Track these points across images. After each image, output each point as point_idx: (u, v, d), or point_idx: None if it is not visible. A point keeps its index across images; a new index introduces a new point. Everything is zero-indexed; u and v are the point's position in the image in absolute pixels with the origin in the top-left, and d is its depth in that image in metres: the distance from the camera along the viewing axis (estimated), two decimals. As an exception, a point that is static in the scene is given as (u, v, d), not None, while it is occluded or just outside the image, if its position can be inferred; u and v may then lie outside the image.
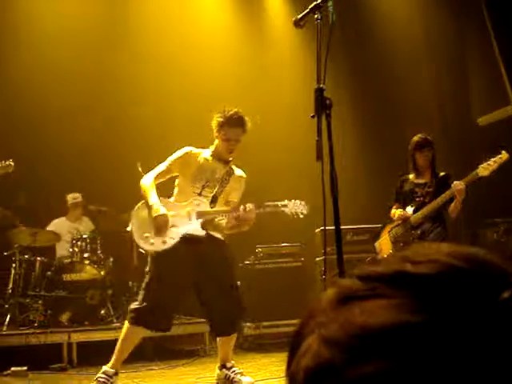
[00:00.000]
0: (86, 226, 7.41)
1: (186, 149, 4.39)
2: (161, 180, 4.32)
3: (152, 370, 5.33)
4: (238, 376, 4.21)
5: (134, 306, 4.15)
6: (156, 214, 4.06)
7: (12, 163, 2.99)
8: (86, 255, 6.62)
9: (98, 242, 6.71)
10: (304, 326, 0.57)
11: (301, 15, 2.99)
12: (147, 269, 4.24)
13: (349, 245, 6.09)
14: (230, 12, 9.03)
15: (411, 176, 5.15)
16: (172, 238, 4.09)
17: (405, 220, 4.99)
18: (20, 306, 6.40)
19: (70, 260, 6.63)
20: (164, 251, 4.09)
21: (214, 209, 4.26)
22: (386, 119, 8.46)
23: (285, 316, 6.34)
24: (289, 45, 8.86)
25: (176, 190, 4.37)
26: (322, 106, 2.62)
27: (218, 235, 4.33)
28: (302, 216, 4.35)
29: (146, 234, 4.10)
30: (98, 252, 6.69)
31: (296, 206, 4.33)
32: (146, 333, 4.26)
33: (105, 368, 4.08)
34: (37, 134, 7.86)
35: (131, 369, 4.75)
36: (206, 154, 4.42)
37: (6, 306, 6.40)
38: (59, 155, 7.85)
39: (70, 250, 6.72)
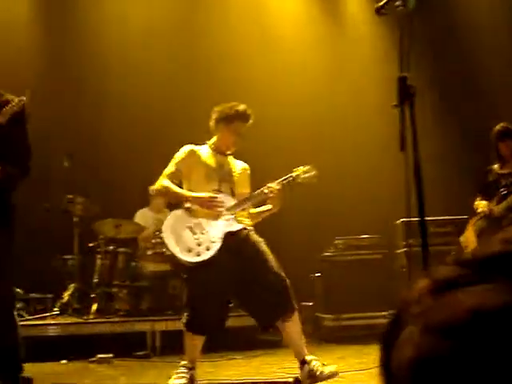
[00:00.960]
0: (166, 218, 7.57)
1: (187, 147, 4.37)
2: (173, 183, 4.29)
3: (233, 359, 5.39)
4: (321, 368, 4.01)
5: (184, 313, 4.18)
6: (203, 196, 4.08)
7: (24, 98, 3.01)
8: (167, 246, 6.76)
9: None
10: (398, 317, 0.56)
11: (382, 2, 2.93)
12: (185, 276, 4.23)
13: (431, 237, 5.94)
14: (307, 5, 9.01)
15: (496, 166, 4.99)
16: (213, 241, 4.04)
17: (488, 212, 4.83)
18: (106, 295, 6.62)
19: (152, 251, 6.79)
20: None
21: (240, 200, 4.22)
22: (470, 109, 8.21)
23: (364, 308, 6.29)
24: (368, 35, 8.77)
25: None
26: (405, 94, 2.56)
27: (246, 223, 4.27)
28: (315, 179, 4.26)
29: (188, 246, 4.03)
30: (180, 243, 6.82)
31: (306, 172, 4.25)
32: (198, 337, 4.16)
33: (183, 362, 4.18)
34: (120, 129, 8.13)
35: (212, 358, 4.82)
36: (205, 149, 4.40)
37: (93, 295, 6.62)
38: (142, 148, 8.08)
39: (153, 241, 6.88)
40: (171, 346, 5.81)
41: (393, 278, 6.52)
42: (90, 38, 8.51)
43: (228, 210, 4.13)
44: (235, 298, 4.37)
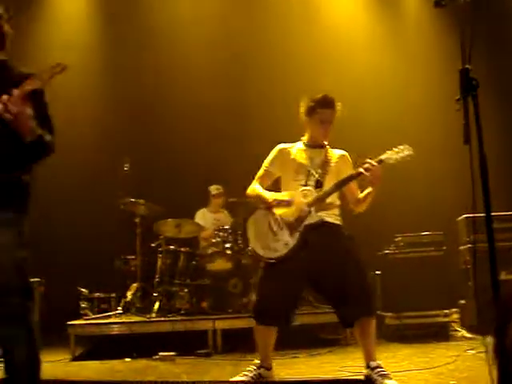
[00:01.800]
0: (226, 218, 7.66)
1: (278, 147, 4.37)
2: (265, 185, 4.30)
3: (296, 357, 5.39)
4: (381, 379, 3.89)
5: (253, 304, 4.21)
6: (285, 199, 4.09)
7: (62, 65, 3.01)
8: (227, 245, 6.81)
9: (239, 232, 6.88)
10: (508, 306, 0.56)
11: (441, -6, 2.88)
12: (261, 266, 4.24)
13: (495, 232, 5.80)
14: (367, 2, 9.01)
15: None
16: (292, 235, 4.03)
17: None
18: (167, 294, 6.72)
19: (212, 250, 6.85)
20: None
21: (322, 192, 4.13)
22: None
23: (426, 306, 6.19)
24: (429, 29, 8.69)
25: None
26: (467, 87, 2.51)
27: (332, 220, 4.22)
28: (409, 158, 4.08)
29: (267, 242, 4.06)
30: (239, 242, 6.86)
31: (399, 152, 4.10)
32: (268, 329, 4.14)
33: (255, 361, 4.21)
34: (181, 130, 8.27)
35: (276, 356, 4.83)
36: (298, 145, 4.38)
37: (155, 294, 6.73)
38: (201, 148, 8.18)
39: (213, 240, 6.95)
40: (232, 345, 5.86)
41: (454, 276, 6.41)
42: (150, 38, 8.67)
43: (309, 203, 4.08)
44: (317, 291, 4.36)
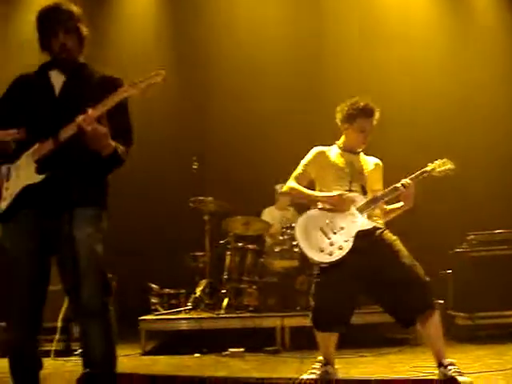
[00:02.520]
0: (292, 215, 7.66)
1: (316, 149, 4.33)
2: (301, 185, 4.25)
3: (363, 356, 5.35)
4: (456, 375, 3.76)
5: (310, 310, 4.16)
6: (335, 195, 4.05)
7: (161, 73, 3.00)
8: (295, 243, 6.79)
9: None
10: None
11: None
12: (315, 272, 4.19)
13: None
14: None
15: None
16: (345, 240, 3.97)
17: None
18: (235, 291, 6.77)
19: (280, 247, 6.86)
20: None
21: (372, 198, 4.11)
22: None
23: (499, 306, 6.01)
24: (497, 24, 8.47)
25: None
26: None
27: (380, 225, 4.16)
28: (451, 172, 4.08)
29: (320, 246, 4.00)
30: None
31: (441, 165, 4.08)
32: (328, 334, 4.13)
33: (319, 357, 4.20)
34: (248, 128, 8.34)
35: (343, 354, 4.80)
36: (335, 149, 4.32)
37: (223, 291, 6.80)
38: (269, 147, 8.23)
39: (280, 237, 6.96)
40: (300, 342, 5.86)
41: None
42: (217, 36, 8.78)
43: (359, 208, 4.07)
44: (370, 296, 4.28)
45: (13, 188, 3.00)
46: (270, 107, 8.42)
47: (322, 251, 3.99)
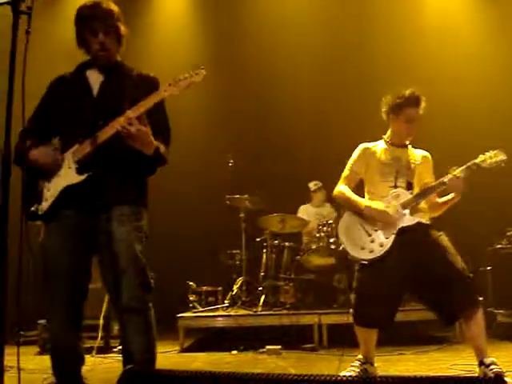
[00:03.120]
0: (328, 212, 7.64)
1: (361, 146, 4.27)
2: (352, 185, 4.20)
3: (403, 354, 5.30)
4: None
5: (352, 307, 4.13)
6: (377, 209, 3.98)
7: (201, 72, 2.99)
8: (331, 240, 6.78)
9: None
10: None
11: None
12: (357, 267, 4.13)
13: None
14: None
15: None
16: (387, 237, 3.93)
17: None
18: (272, 288, 6.78)
19: (316, 245, 6.85)
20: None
21: (416, 193, 4.03)
22: None
23: (541, 303, 5.93)
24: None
25: (367, 195, 4.21)
26: None
27: (425, 220, 4.08)
28: (503, 164, 3.92)
29: (361, 243, 3.97)
30: (343, 237, 6.79)
31: (493, 157, 3.93)
32: (369, 330, 4.09)
33: (359, 356, 4.18)
34: (284, 126, 8.34)
35: (383, 352, 4.77)
36: (381, 145, 4.24)
37: (260, 288, 6.82)
38: (305, 144, 8.22)
39: (317, 235, 6.94)
40: (337, 340, 5.84)
41: None
42: (255, 34, 8.81)
43: (403, 204, 4.00)
44: (413, 293, 4.22)
45: (54, 189, 3.05)
46: (306, 104, 8.41)
47: (363, 248, 3.97)
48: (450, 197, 4.09)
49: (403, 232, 3.95)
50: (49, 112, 3.17)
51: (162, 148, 3.09)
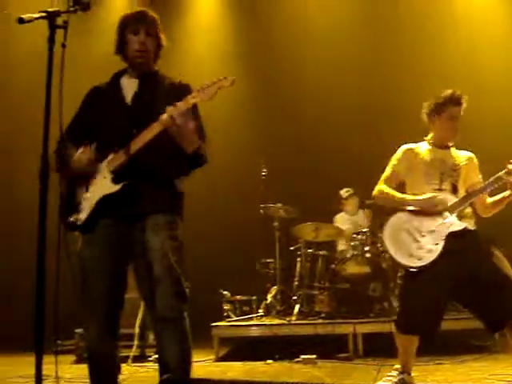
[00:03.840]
0: (363, 220, 7.58)
1: (404, 147, 4.18)
2: (392, 187, 4.10)
3: (441, 364, 5.22)
4: None
5: (397, 313, 4.05)
6: (423, 198, 3.91)
7: (230, 78, 2.99)
8: (366, 249, 6.73)
9: (379, 235, 6.76)
10: None
11: None
12: (400, 275, 4.04)
13: None
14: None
15: None
16: (435, 243, 3.81)
17: None
18: (307, 297, 6.76)
19: (351, 253, 6.80)
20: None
21: (462, 196, 3.93)
22: None
23: None
24: None
25: None
26: None
27: (471, 226, 4.01)
28: None
29: (409, 250, 3.84)
30: (378, 245, 6.75)
31: None
32: (411, 338, 3.98)
33: (396, 365, 4.11)
34: (318, 132, 8.33)
35: (420, 362, 4.70)
36: (424, 146, 4.16)
37: (295, 297, 6.80)
38: (336, 153, 8.21)
39: (352, 243, 6.90)
40: (373, 349, 5.78)
41: None
42: (289, 41, 8.85)
43: (449, 208, 3.91)
44: (459, 300, 4.16)
45: (91, 199, 3.08)
46: (342, 113, 8.39)
47: (410, 255, 3.84)
48: (505, 194, 3.96)
49: (451, 237, 3.84)
50: (85, 122, 3.22)
51: (204, 147, 3.11)
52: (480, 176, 4.14)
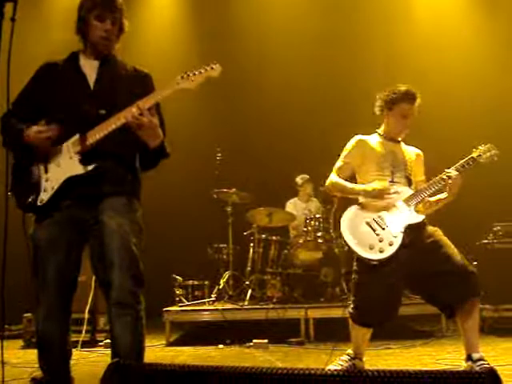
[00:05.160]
0: (315, 207, 7.64)
1: (357, 138, 4.18)
2: (344, 178, 4.11)
3: (389, 348, 5.32)
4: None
5: (349, 308, 4.03)
6: (376, 188, 3.90)
7: (217, 67, 2.99)
8: (319, 234, 6.79)
9: (331, 221, 6.84)
10: None
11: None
12: (355, 268, 4.00)
13: None
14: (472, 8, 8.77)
15: None
16: (395, 236, 3.81)
17: None
18: (259, 282, 6.78)
19: (304, 239, 6.84)
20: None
21: (418, 189, 3.97)
22: None
23: (526, 298, 5.95)
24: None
25: None
26: None
27: (424, 217, 4.01)
28: (496, 158, 3.93)
29: (369, 243, 3.82)
30: (331, 231, 6.82)
31: (486, 151, 3.94)
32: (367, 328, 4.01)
33: (348, 350, 4.13)
34: (273, 121, 8.34)
35: (370, 347, 4.76)
36: (375, 138, 4.20)
37: (247, 282, 6.81)
38: (293, 139, 8.22)
39: (304, 229, 6.95)
40: (324, 333, 5.84)
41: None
42: (243, 29, 8.84)
43: (406, 201, 3.93)
44: (414, 289, 4.19)
45: (55, 179, 2.99)
46: (294, 100, 8.42)
47: (371, 248, 3.82)
48: (442, 196, 4.03)
49: (411, 229, 3.86)
50: (35, 98, 3.11)
51: (165, 141, 3.08)
52: (424, 174, 4.21)
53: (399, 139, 4.24)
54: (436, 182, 3.95)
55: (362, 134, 4.24)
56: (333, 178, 4.14)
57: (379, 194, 3.92)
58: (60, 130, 2.97)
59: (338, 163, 4.19)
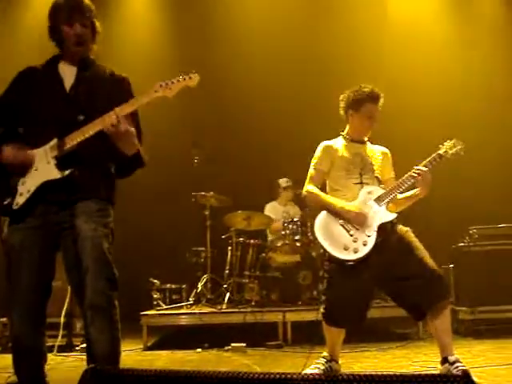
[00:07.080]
0: (294, 210, 7.65)
1: (323, 144, 4.22)
2: (319, 185, 4.14)
3: (367, 351, 5.34)
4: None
5: (321, 308, 4.04)
6: (352, 212, 3.89)
7: (195, 76, 3.00)
8: (297, 237, 6.80)
9: (309, 224, 6.84)
10: None
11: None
12: (326, 268, 4.01)
13: None
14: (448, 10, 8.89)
15: None
16: (368, 235, 3.84)
17: None
18: (237, 286, 6.77)
19: (282, 242, 6.85)
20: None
21: (389, 188, 3.98)
22: None
23: (501, 301, 6.00)
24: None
25: (331, 193, 4.13)
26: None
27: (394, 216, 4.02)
28: (462, 152, 3.98)
29: (343, 243, 3.83)
30: (309, 234, 6.83)
31: (452, 147, 3.98)
32: (339, 329, 4.03)
33: (324, 353, 4.14)
34: (251, 124, 8.33)
35: (346, 349, 4.78)
36: (340, 141, 4.23)
37: (225, 285, 6.80)
38: (267, 142, 8.23)
39: (282, 232, 6.95)
40: (302, 336, 5.85)
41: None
42: (220, 29, 8.87)
43: (377, 200, 3.95)
44: (383, 289, 4.19)
45: (31, 183, 2.97)
46: (273, 103, 8.43)
47: (346, 249, 3.83)
48: (413, 192, 4.05)
49: (383, 228, 3.88)
50: (14, 103, 3.09)
51: (142, 150, 3.07)
52: (393, 172, 4.23)
53: (365, 139, 4.26)
54: (406, 179, 3.97)
55: (328, 139, 4.26)
56: (309, 187, 4.14)
57: (355, 219, 3.90)
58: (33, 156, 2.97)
59: (311, 172, 4.20)
